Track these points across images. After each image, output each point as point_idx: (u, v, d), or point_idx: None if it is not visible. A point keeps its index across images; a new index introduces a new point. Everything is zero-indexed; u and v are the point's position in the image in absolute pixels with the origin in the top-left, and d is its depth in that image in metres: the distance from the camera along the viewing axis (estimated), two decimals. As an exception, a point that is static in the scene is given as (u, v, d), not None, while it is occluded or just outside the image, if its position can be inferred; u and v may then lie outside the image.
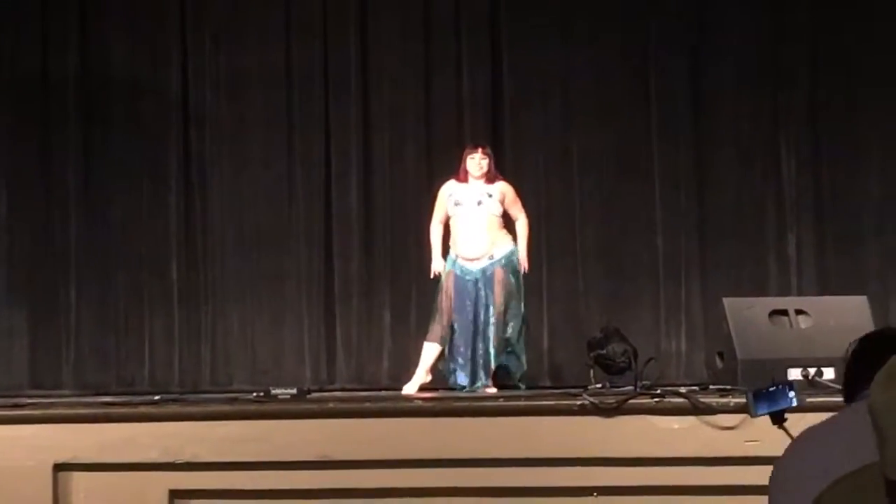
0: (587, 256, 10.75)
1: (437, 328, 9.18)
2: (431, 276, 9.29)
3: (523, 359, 9.23)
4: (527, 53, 10.95)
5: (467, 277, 9.12)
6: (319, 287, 10.93)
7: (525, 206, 9.41)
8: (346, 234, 10.98)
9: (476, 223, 9.14)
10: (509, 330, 9.09)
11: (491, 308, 9.07)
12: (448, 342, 9.13)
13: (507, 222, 9.31)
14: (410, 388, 9.09)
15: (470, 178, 9.22)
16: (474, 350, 9.07)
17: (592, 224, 10.78)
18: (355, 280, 10.92)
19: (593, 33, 10.85)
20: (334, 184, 11.04)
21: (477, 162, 9.22)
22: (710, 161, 10.74)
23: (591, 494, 7.24)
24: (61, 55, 11.14)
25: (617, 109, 10.80)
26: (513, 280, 9.14)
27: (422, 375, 9.16)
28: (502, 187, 9.28)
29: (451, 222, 9.24)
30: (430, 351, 9.20)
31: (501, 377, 9.15)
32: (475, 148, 9.31)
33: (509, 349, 9.13)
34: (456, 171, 9.30)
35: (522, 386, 9.16)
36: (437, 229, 9.34)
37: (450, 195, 9.27)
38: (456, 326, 9.11)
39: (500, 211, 9.21)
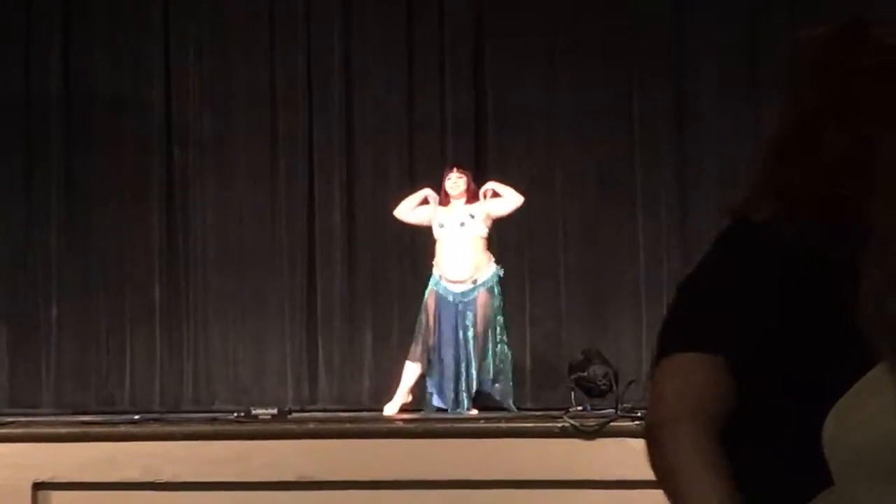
0: (569, 278, 10.74)
1: (418, 348, 9.19)
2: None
3: (510, 384, 9.22)
4: (510, 75, 10.96)
5: (449, 299, 9.13)
6: (302, 306, 10.92)
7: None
8: (328, 254, 10.97)
9: (459, 245, 9.16)
10: (493, 356, 9.09)
11: (471, 331, 9.07)
12: (429, 362, 9.13)
13: (491, 244, 9.33)
14: (391, 409, 9.09)
15: (451, 200, 9.27)
16: (457, 374, 9.06)
17: (575, 246, 10.78)
18: (337, 300, 10.91)
19: (576, 55, 10.85)
20: (317, 203, 11.04)
21: (453, 182, 9.31)
22: (693, 183, 10.74)
23: (572, 517, 7.24)
24: (43, 72, 11.12)
25: (599, 131, 10.81)
26: (495, 305, 9.14)
27: (403, 395, 9.16)
28: (485, 205, 9.30)
29: (437, 245, 9.27)
30: (410, 370, 9.20)
31: (486, 400, 9.15)
32: (450, 169, 9.43)
33: (498, 378, 9.12)
34: (438, 196, 9.37)
35: (514, 408, 9.13)
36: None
37: (433, 217, 9.31)
38: (437, 347, 9.12)
39: (484, 232, 9.23)
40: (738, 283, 2.00)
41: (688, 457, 1.90)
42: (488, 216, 9.26)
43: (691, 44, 10.83)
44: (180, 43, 11.20)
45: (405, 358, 9.28)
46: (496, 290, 9.17)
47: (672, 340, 2.00)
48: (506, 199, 9.31)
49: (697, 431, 1.91)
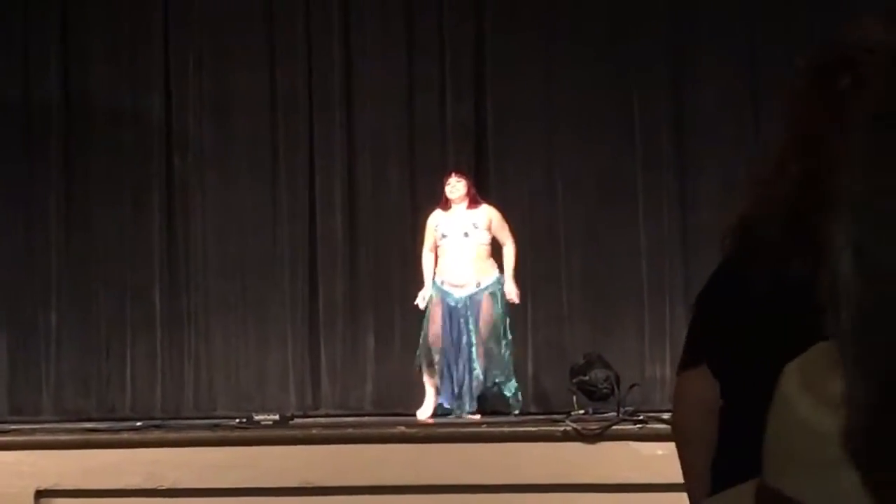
0: (571, 282, 10.73)
1: (425, 353, 9.19)
2: (419, 303, 9.31)
3: (513, 386, 9.23)
4: (510, 79, 10.95)
5: (452, 303, 9.13)
6: (303, 311, 10.91)
7: (511, 231, 9.43)
8: (330, 259, 10.96)
9: (463, 254, 9.17)
10: (496, 360, 9.09)
11: (474, 336, 9.07)
12: (433, 365, 9.14)
13: (495, 249, 9.33)
14: (424, 413, 9.10)
15: (452, 205, 9.27)
16: (460, 376, 9.06)
17: (576, 250, 10.77)
18: (339, 304, 10.89)
19: (576, 59, 10.85)
20: (318, 208, 11.03)
21: (453, 186, 9.31)
22: (694, 186, 10.73)
23: (575, 521, 7.23)
24: (43, 79, 11.11)
25: (600, 135, 10.80)
26: (498, 309, 9.14)
27: (432, 400, 9.18)
28: (489, 213, 9.31)
29: (439, 251, 9.27)
30: (427, 376, 9.21)
31: (489, 404, 9.17)
32: (449, 174, 9.43)
33: (498, 380, 9.13)
34: (439, 198, 9.36)
35: (516, 412, 9.14)
36: (428, 259, 9.38)
37: (436, 226, 9.30)
38: (441, 350, 9.12)
39: (487, 239, 9.24)
40: (718, 307, 2.39)
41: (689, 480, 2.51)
42: (491, 225, 9.26)
43: (691, 48, 10.82)
44: (179, 49, 11.19)
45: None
46: (499, 296, 9.17)
47: (680, 361, 2.50)
48: (508, 249, 9.32)
49: (696, 453, 2.48)
